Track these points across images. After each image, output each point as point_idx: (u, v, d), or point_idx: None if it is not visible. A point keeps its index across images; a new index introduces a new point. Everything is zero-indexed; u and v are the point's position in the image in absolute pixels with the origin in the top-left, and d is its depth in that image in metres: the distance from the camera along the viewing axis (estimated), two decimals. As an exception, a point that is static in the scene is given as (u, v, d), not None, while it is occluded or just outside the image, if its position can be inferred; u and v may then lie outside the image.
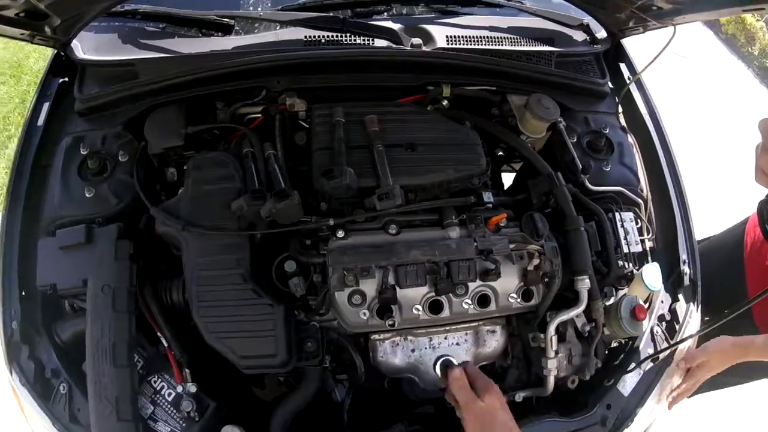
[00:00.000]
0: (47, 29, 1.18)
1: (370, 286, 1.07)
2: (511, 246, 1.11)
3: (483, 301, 1.12)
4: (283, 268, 1.12)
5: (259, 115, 1.35)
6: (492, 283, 1.11)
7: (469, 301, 1.10)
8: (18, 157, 1.30)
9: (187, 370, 1.09)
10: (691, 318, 1.32)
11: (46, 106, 1.36)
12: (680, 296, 1.34)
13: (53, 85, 1.41)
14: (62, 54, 1.37)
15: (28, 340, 1.14)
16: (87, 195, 1.19)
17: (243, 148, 1.21)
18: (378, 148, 1.15)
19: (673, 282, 1.35)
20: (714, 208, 2.35)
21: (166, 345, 1.11)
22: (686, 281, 1.35)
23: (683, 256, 1.37)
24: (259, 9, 1.50)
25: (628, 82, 1.53)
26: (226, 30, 1.43)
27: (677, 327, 1.30)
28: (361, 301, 1.06)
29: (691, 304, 1.33)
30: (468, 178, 1.19)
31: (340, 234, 1.09)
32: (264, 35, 1.40)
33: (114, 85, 1.29)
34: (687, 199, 1.45)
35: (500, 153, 1.50)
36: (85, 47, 1.36)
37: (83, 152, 1.25)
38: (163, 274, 1.17)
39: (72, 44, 1.33)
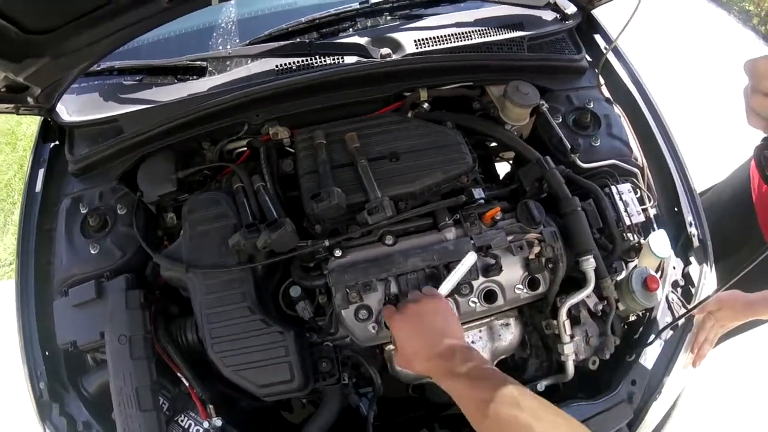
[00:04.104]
0: (30, 99, 1.22)
1: (374, 300, 1.08)
2: (509, 238, 1.11)
3: (489, 296, 1.11)
4: (290, 294, 1.14)
5: (246, 149, 1.37)
6: (496, 278, 1.11)
7: (476, 299, 1.09)
8: (22, 225, 1.34)
9: (210, 406, 1.11)
10: (706, 279, 1.29)
11: (41, 172, 1.40)
12: (692, 259, 1.31)
13: (45, 150, 1.46)
14: (49, 119, 1.42)
15: (57, 398, 1.18)
16: (92, 251, 1.23)
17: (233, 183, 1.23)
18: (362, 164, 1.16)
19: (682, 246, 1.32)
20: (713, 159, 2.28)
21: (187, 384, 1.13)
22: (696, 242, 1.32)
23: (689, 218, 1.34)
24: (228, 47, 1.53)
25: (604, 52, 1.51)
26: (201, 72, 1.46)
27: (693, 291, 1.27)
28: (367, 316, 1.07)
29: (704, 265, 1.30)
30: (456, 177, 1.19)
31: (338, 253, 1.10)
32: (237, 71, 1.43)
33: (102, 142, 1.33)
34: (683, 159, 1.41)
35: (492, 144, 1.49)
36: (69, 110, 1.41)
37: (83, 211, 1.28)
38: (175, 316, 1.20)
39: (56, 109, 1.37)
